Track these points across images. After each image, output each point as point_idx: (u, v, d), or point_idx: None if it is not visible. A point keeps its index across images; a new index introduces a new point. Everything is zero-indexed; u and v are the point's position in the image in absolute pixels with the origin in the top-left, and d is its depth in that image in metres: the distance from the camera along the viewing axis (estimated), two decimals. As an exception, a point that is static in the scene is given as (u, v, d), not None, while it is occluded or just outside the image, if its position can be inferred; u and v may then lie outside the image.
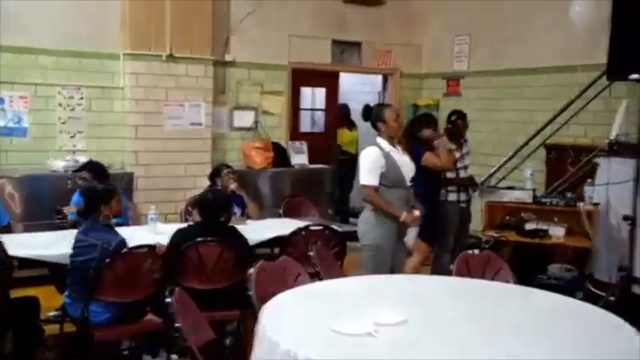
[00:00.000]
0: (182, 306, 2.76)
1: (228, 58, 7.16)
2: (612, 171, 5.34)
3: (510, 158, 6.75)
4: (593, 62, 5.94)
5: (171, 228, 4.26)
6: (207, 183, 5.53)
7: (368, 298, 2.97)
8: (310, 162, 7.53)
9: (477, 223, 5.98)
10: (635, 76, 4.95)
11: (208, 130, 6.88)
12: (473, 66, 7.86)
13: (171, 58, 6.53)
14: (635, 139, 5.10)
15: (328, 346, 2.35)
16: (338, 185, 8.12)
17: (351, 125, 8.85)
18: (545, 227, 5.45)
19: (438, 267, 5.36)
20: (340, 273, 3.96)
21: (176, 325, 2.61)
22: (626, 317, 2.69)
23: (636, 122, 5.05)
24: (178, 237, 4.00)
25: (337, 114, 8.58)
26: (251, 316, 3.03)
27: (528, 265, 5.14)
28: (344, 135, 8.69)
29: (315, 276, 3.57)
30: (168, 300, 2.70)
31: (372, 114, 4.49)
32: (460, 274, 3.60)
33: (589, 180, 5.66)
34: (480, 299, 3.05)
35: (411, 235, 4.30)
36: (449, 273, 3.64)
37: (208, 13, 6.74)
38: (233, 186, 5.27)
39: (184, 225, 4.43)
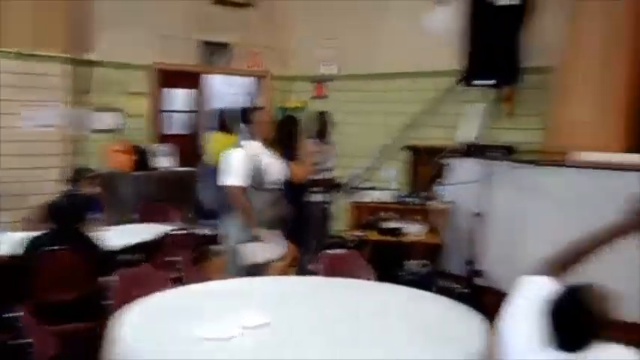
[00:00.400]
0: (30, 320, 2.60)
1: (91, 57, 6.80)
2: (464, 171, 5.69)
3: (375, 160, 7.00)
4: (451, 68, 6.30)
5: (22, 236, 3.99)
6: (64, 188, 5.24)
7: (233, 301, 2.97)
8: (179, 164, 7.34)
9: (342, 223, 6.14)
10: (480, 82, 5.36)
11: (67, 132, 6.50)
12: (339, 69, 8.05)
13: (21, 55, 6.09)
14: (484, 142, 5.50)
15: (191, 351, 2.32)
16: (214, 188, 7.92)
17: (229, 131, 8.50)
18: (402, 225, 5.71)
19: (303, 268, 5.44)
20: (204, 277, 3.91)
21: (24, 340, 2.46)
22: (473, 306, 2.92)
23: (487, 125, 5.45)
24: (29, 246, 3.76)
25: (207, 117, 8.39)
26: (110, 325, 2.91)
27: (388, 262, 5.36)
28: (220, 142, 8.34)
29: (179, 281, 3.51)
30: (14, 314, 2.53)
31: (245, 116, 4.50)
32: (324, 273, 3.69)
33: (438, 180, 6.00)
34: (343, 297, 3.14)
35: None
36: (313, 273, 3.71)
37: (65, 9, 6.36)
38: (93, 190, 5.04)
39: (36, 233, 4.16)
